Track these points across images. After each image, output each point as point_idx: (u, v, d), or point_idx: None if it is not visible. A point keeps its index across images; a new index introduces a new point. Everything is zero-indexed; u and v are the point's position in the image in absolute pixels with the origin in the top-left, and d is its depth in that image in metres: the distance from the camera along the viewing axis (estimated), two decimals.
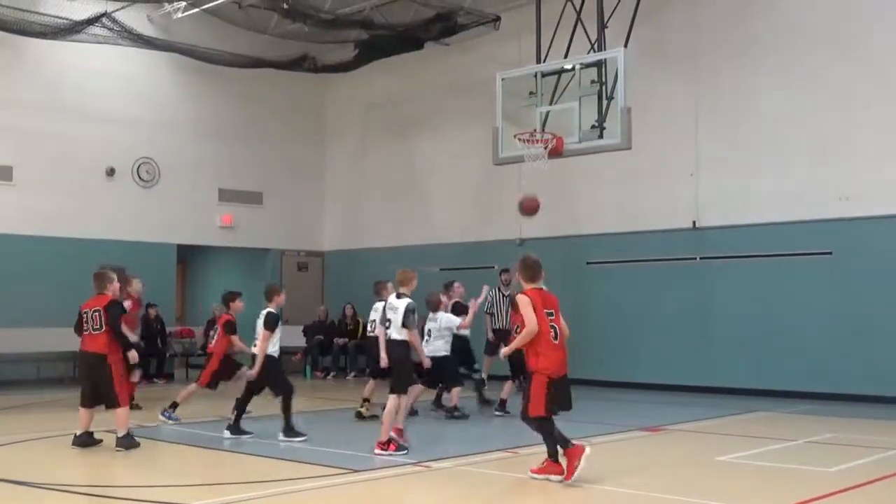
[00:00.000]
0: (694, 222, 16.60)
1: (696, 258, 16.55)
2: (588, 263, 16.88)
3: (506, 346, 13.27)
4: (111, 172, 19.50)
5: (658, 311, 16.86)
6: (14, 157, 18.21)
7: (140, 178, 19.96)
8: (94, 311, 9.84)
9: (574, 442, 8.04)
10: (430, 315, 12.39)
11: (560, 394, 8.06)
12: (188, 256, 23.18)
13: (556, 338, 8.09)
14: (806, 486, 8.06)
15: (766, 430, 11.72)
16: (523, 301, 8.08)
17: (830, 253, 15.12)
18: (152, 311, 19.08)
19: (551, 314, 8.15)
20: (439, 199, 20.64)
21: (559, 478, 7.96)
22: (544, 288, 8.31)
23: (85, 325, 9.85)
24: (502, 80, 15.14)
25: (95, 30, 17.23)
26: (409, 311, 9.81)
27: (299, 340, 20.74)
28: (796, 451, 10.16)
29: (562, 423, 8.17)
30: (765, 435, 11.18)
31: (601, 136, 14.20)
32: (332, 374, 20.28)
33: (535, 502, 7.72)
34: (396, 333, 9.93)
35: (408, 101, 21.26)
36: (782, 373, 15.35)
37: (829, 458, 9.59)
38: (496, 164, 15.54)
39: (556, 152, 14.27)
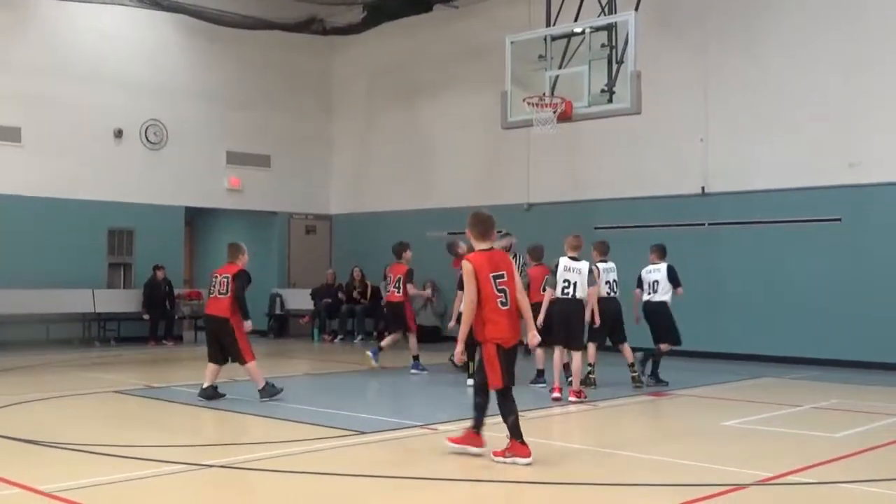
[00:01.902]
0: (703, 188, 16.55)
1: (704, 224, 16.51)
2: (596, 228, 16.83)
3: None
4: (119, 134, 19.47)
5: None
6: (22, 118, 18.18)
7: (148, 140, 19.93)
8: (224, 276, 10.51)
9: (483, 435, 7.52)
10: None
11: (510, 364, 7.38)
12: (196, 219, 23.22)
13: (505, 303, 7.33)
14: (811, 451, 8.09)
15: (771, 395, 11.75)
16: (466, 269, 7.35)
17: (840, 219, 15.08)
18: (160, 274, 19.16)
19: (501, 276, 7.35)
20: (447, 163, 20.59)
21: (526, 461, 7.26)
22: (495, 248, 7.61)
23: (212, 288, 10.60)
24: (511, 43, 15.04)
25: None
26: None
27: (307, 303, 20.85)
28: (802, 417, 10.20)
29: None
30: (770, 400, 11.22)
31: (610, 101, 14.12)
32: (339, 337, 20.36)
33: (539, 465, 7.76)
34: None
35: (416, 64, 21.14)
36: (789, 339, 15.37)
37: (834, 423, 9.62)
38: (504, 128, 15.49)
39: (564, 116, 14.21)
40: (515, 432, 7.36)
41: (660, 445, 8.42)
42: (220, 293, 10.49)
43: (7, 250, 17.69)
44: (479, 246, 7.48)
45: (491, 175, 19.59)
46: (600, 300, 11.63)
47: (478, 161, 19.89)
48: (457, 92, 20.26)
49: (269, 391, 10.55)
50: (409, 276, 13.83)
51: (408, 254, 14.08)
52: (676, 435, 9.16)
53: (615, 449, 8.18)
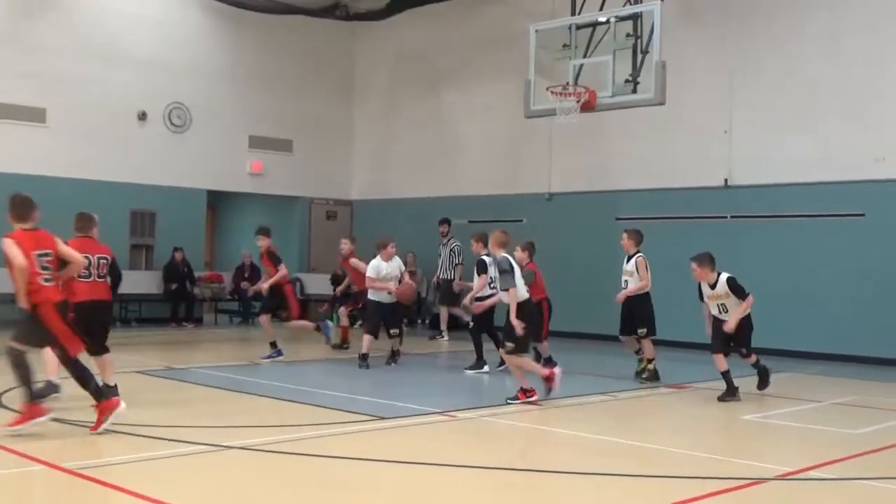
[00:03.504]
0: (725, 180, 16.45)
1: (726, 216, 16.42)
2: (618, 219, 16.78)
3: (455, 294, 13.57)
4: (143, 116, 19.54)
5: (686, 269, 16.70)
6: (47, 100, 18.25)
7: (171, 122, 20.00)
8: (103, 258, 9.39)
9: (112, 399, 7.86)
10: None
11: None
12: (218, 202, 23.31)
13: (49, 280, 7.76)
14: (832, 446, 8.06)
15: (791, 390, 11.70)
16: (7, 244, 7.61)
17: (863, 215, 14.96)
18: (178, 256, 19.26)
19: (47, 254, 7.83)
20: (469, 151, 20.54)
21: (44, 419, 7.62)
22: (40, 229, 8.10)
23: (86, 269, 9.05)
24: (536, 31, 14.98)
25: None
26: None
27: (327, 289, 20.85)
28: (822, 413, 10.16)
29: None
30: (790, 395, 11.18)
31: (635, 91, 14.08)
32: (358, 322, 20.33)
33: (557, 453, 7.77)
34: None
35: (439, 51, 21.09)
36: (809, 334, 15.27)
37: (854, 419, 9.59)
38: (528, 116, 15.45)
39: (588, 106, 14.16)
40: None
41: (680, 438, 8.41)
42: (99, 276, 9.21)
43: None
44: (23, 226, 7.90)
45: (512, 164, 19.54)
46: (647, 294, 12.14)
47: (499, 149, 19.83)
48: (479, 80, 20.20)
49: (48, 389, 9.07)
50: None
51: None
52: (696, 428, 9.14)
53: (635, 441, 8.17)
